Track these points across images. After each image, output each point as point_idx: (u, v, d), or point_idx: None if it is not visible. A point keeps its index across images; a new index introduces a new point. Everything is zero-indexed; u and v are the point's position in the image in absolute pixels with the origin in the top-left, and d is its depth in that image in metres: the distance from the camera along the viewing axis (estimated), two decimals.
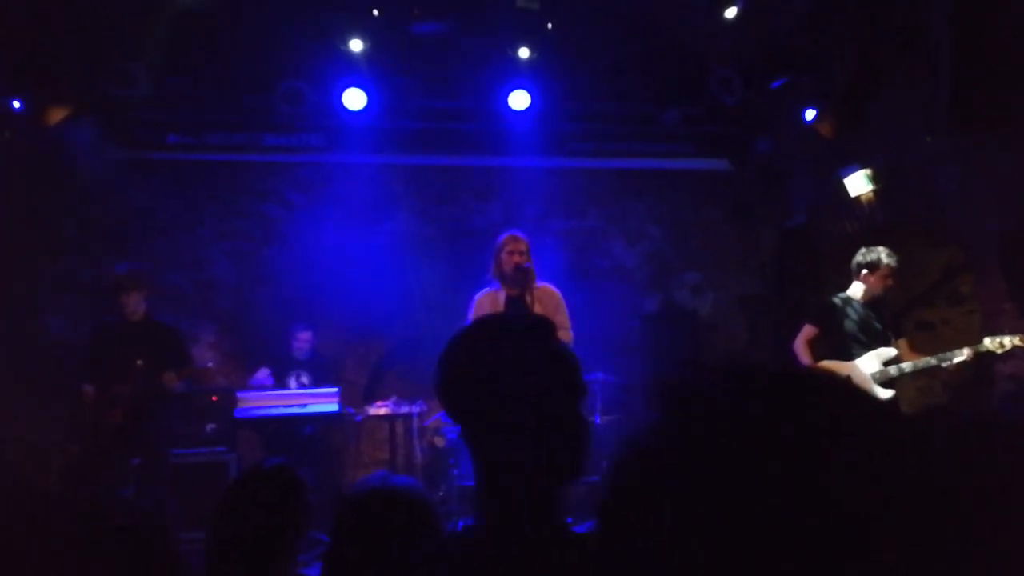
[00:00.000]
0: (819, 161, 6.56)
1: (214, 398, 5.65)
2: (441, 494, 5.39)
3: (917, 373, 4.56)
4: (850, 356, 4.56)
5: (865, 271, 4.62)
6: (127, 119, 6.03)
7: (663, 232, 7.44)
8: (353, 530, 1.74)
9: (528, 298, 4.47)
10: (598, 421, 5.80)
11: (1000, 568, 0.65)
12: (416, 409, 5.81)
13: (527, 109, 6.26)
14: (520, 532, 1.18)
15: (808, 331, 4.73)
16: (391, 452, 5.96)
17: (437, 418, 5.75)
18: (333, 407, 5.51)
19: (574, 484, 1.25)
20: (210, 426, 5.53)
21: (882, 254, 4.59)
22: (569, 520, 5.00)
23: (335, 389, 5.63)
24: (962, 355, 4.24)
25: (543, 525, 1.20)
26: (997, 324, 4.75)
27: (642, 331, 7.10)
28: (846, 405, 0.62)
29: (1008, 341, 4.16)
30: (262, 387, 5.70)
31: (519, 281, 4.51)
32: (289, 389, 5.82)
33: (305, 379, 5.97)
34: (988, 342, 4.21)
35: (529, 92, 6.19)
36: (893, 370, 4.47)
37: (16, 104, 5.52)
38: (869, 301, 4.65)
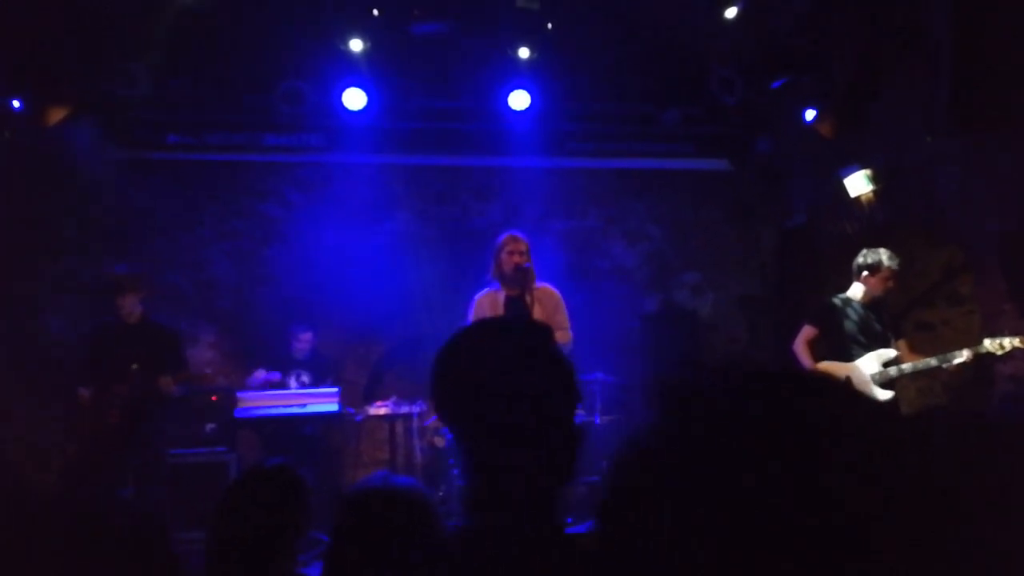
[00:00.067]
0: (819, 161, 6.56)
1: (214, 398, 5.66)
2: (441, 494, 5.39)
3: (917, 374, 4.56)
4: (850, 357, 4.56)
5: (866, 273, 4.62)
6: (127, 119, 6.03)
7: (663, 232, 7.44)
8: (353, 530, 1.74)
9: (528, 298, 4.47)
10: (598, 421, 5.80)
11: (1000, 568, 0.64)
12: (416, 409, 5.81)
13: (527, 109, 6.26)
14: (517, 533, 1.18)
15: (808, 332, 4.72)
16: (391, 452, 5.96)
17: (437, 418, 5.75)
18: (333, 407, 5.51)
19: (572, 485, 1.25)
20: (210, 426, 5.53)
21: (883, 256, 4.59)
22: (569, 520, 5.01)
23: (335, 389, 5.63)
24: (962, 356, 4.24)
25: (540, 526, 1.20)
26: (997, 325, 4.75)
27: (642, 331, 7.10)
28: (846, 406, 0.62)
29: (1008, 342, 4.16)
30: (268, 382, 5.69)
31: (519, 281, 4.51)
32: (289, 389, 5.82)
33: (305, 378, 5.97)
34: (988, 343, 4.21)
35: (529, 92, 6.19)
36: (893, 371, 4.47)
37: (16, 104, 5.52)
38: (869, 302, 4.64)
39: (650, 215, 7.43)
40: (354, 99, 6.02)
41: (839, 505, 0.54)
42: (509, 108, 6.25)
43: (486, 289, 4.65)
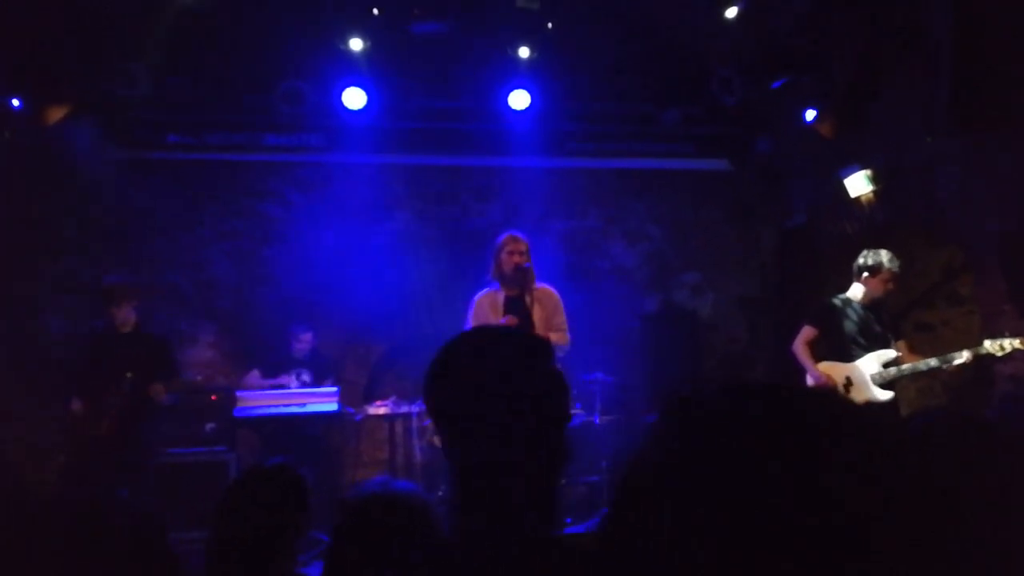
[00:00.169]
0: (819, 161, 6.56)
1: (213, 397, 5.66)
2: (440, 494, 5.39)
3: (917, 374, 4.56)
4: (850, 357, 4.56)
5: (866, 274, 4.62)
6: (127, 119, 6.03)
7: (663, 232, 7.44)
8: (353, 536, 1.74)
9: (527, 299, 4.47)
10: (597, 421, 5.80)
11: (1000, 568, 0.65)
12: (415, 409, 5.81)
13: (527, 109, 6.26)
14: (513, 534, 1.18)
15: (808, 332, 4.72)
16: (390, 452, 5.97)
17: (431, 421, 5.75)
18: (332, 407, 5.51)
19: (572, 485, 1.25)
20: (209, 425, 5.53)
21: (884, 258, 4.58)
22: (568, 520, 5.01)
23: (334, 389, 5.64)
24: (962, 357, 4.24)
25: (536, 527, 1.20)
26: (997, 325, 4.75)
27: (642, 331, 7.10)
28: (847, 404, 0.62)
29: (1008, 344, 4.16)
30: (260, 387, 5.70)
31: (518, 281, 4.51)
32: (289, 388, 5.81)
33: (306, 377, 5.97)
34: (988, 344, 4.21)
35: (529, 92, 6.19)
36: (893, 371, 4.47)
37: (16, 103, 5.52)
38: (869, 303, 4.64)
39: (650, 215, 7.42)
40: (354, 99, 6.02)
41: (839, 505, 0.54)
42: (509, 108, 6.25)
43: (486, 289, 4.65)
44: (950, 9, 4.53)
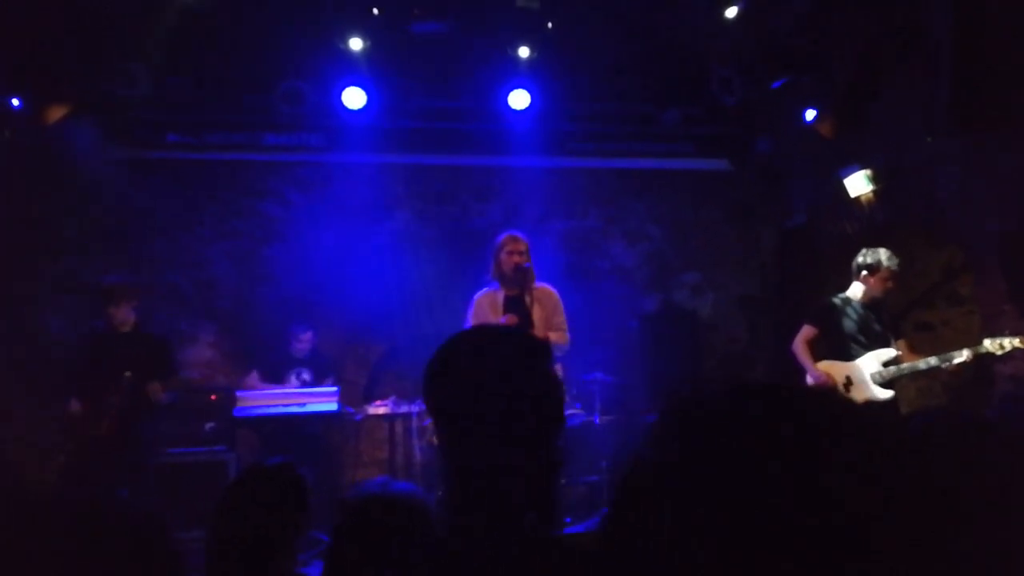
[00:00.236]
0: (819, 161, 6.56)
1: (213, 397, 5.66)
2: (440, 493, 5.39)
3: (917, 374, 4.56)
4: (850, 356, 4.56)
5: (865, 272, 4.62)
6: (127, 119, 6.02)
7: (663, 232, 7.44)
8: (354, 533, 1.74)
9: (527, 298, 4.47)
10: (597, 421, 5.80)
11: (1000, 568, 0.64)
12: (415, 408, 5.81)
13: (527, 109, 6.26)
14: (512, 534, 1.18)
15: (808, 331, 4.72)
16: (390, 451, 5.97)
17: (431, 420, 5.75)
18: (332, 406, 5.51)
19: (572, 485, 1.26)
20: (209, 425, 5.53)
21: (883, 256, 4.59)
22: (568, 520, 5.01)
23: (334, 388, 5.64)
24: (962, 356, 4.24)
25: (535, 526, 1.20)
26: (997, 325, 4.75)
27: (641, 331, 7.10)
28: (846, 405, 0.62)
29: (1008, 343, 4.16)
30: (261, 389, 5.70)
31: (518, 281, 4.51)
32: (289, 388, 5.82)
33: (306, 376, 5.97)
34: (988, 343, 4.21)
35: (529, 92, 6.19)
36: (893, 371, 4.47)
37: (16, 102, 5.52)
38: (868, 302, 4.64)
39: (650, 215, 7.42)
40: (354, 98, 6.02)
41: (839, 505, 0.54)
42: (509, 108, 6.25)
43: (486, 289, 4.65)
44: (950, 9, 4.53)
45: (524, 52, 6.07)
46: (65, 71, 5.57)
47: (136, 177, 6.30)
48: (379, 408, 5.76)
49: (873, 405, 4.41)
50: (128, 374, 4.75)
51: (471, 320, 4.56)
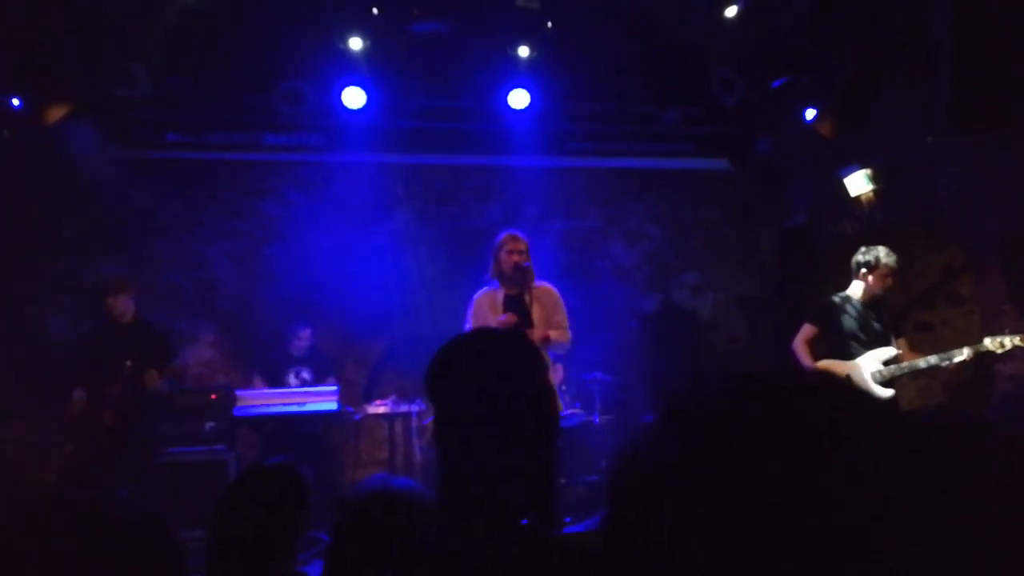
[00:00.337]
0: (819, 161, 6.56)
1: (213, 396, 5.65)
2: (439, 496, 5.39)
3: (917, 373, 4.56)
4: (850, 355, 4.56)
5: (864, 270, 4.62)
6: (127, 118, 6.02)
7: (663, 232, 7.44)
8: (354, 532, 1.74)
9: (527, 298, 4.47)
10: (597, 421, 5.80)
11: (1000, 568, 0.64)
12: (415, 408, 5.81)
13: (527, 108, 6.26)
14: (512, 532, 1.18)
15: (808, 331, 4.72)
16: (390, 451, 5.96)
17: (433, 420, 5.75)
18: (332, 406, 5.51)
19: (571, 484, 1.27)
20: (209, 424, 5.53)
21: (881, 253, 4.59)
22: (568, 520, 5.01)
23: (334, 388, 5.64)
24: (962, 355, 4.24)
25: (536, 525, 1.20)
26: (997, 325, 4.75)
27: (641, 331, 7.10)
28: (846, 405, 0.62)
29: (1008, 341, 4.16)
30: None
31: (518, 280, 4.50)
32: (288, 387, 5.82)
33: (306, 375, 5.97)
34: (988, 342, 4.21)
35: (529, 91, 6.18)
36: (893, 370, 4.47)
37: (16, 102, 5.52)
38: (868, 301, 4.64)
39: (650, 215, 7.42)
40: (354, 98, 6.02)
41: (839, 505, 0.54)
42: (509, 107, 6.25)
43: (485, 288, 4.64)
44: (950, 9, 4.53)
45: (524, 52, 6.08)
46: (65, 71, 5.57)
47: (136, 177, 6.30)
48: (379, 407, 5.76)
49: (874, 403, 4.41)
50: (129, 364, 4.75)
51: (471, 319, 4.56)
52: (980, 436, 0.80)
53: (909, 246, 5.28)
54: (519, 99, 6.20)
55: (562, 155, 6.94)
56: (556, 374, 5.42)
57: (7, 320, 5.92)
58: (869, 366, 4.51)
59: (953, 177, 5.39)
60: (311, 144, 6.59)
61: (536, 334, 4.33)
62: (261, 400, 5.48)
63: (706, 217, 7.48)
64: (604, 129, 6.95)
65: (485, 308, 4.52)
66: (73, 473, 4.75)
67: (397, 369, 6.67)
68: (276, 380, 5.87)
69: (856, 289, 4.67)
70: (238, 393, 5.49)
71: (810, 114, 6.20)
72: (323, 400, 5.51)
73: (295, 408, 5.46)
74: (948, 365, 4.31)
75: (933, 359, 4.35)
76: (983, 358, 4.30)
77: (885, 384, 4.48)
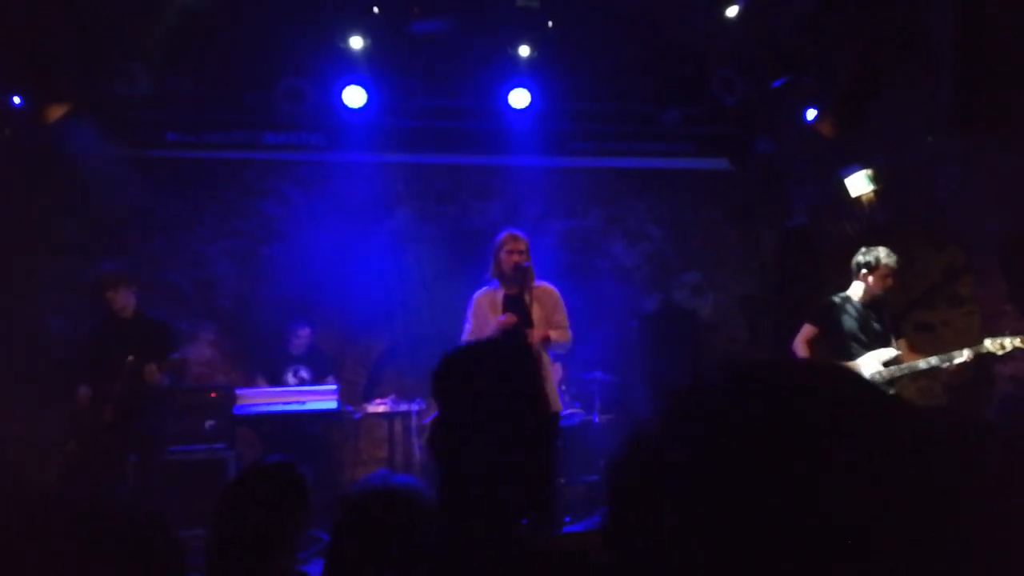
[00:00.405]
0: (820, 161, 6.56)
1: (213, 395, 5.65)
2: (439, 497, 5.38)
3: (917, 374, 4.55)
4: (850, 356, 4.56)
5: (864, 271, 4.62)
6: (127, 117, 6.02)
7: (663, 232, 7.44)
8: (354, 530, 1.74)
9: (527, 297, 4.46)
10: (596, 420, 5.81)
11: (1000, 568, 0.64)
12: (415, 407, 5.82)
13: (527, 108, 6.26)
14: (513, 535, 1.18)
15: (808, 331, 4.72)
16: (390, 450, 5.97)
17: (436, 416, 5.75)
18: (332, 405, 5.51)
19: (571, 484, 1.28)
20: (209, 423, 5.53)
21: (881, 254, 4.59)
22: (567, 519, 5.01)
23: (334, 387, 5.64)
24: (963, 356, 4.24)
25: (535, 525, 1.21)
26: (997, 326, 4.75)
27: (641, 331, 7.10)
28: (847, 403, 0.62)
29: (1009, 343, 4.16)
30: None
31: (518, 280, 4.50)
32: (288, 385, 5.82)
33: (304, 374, 5.98)
34: (989, 343, 4.21)
35: (529, 90, 6.18)
36: (893, 370, 4.47)
37: (16, 100, 5.52)
38: (868, 301, 4.64)
39: (650, 215, 7.42)
40: (354, 97, 6.02)
41: (839, 505, 0.54)
42: (509, 107, 6.25)
43: (485, 288, 4.64)
44: (952, 9, 4.53)
45: (524, 51, 6.07)
46: (65, 70, 5.57)
47: (136, 176, 6.29)
48: (379, 407, 5.77)
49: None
50: (131, 359, 4.72)
51: (471, 319, 4.56)
52: (980, 436, 0.80)
53: (909, 246, 5.28)
54: (519, 98, 6.20)
55: (562, 155, 6.94)
56: (556, 373, 5.41)
57: (7, 320, 5.92)
58: (869, 367, 4.51)
59: (953, 177, 5.39)
60: (311, 143, 6.59)
61: (536, 334, 4.33)
62: (261, 399, 5.48)
63: (706, 217, 7.48)
64: (604, 129, 6.94)
65: (485, 308, 4.52)
66: (75, 471, 4.74)
67: (397, 368, 6.67)
68: (275, 379, 5.88)
69: (856, 290, 4.67)
70: (238, 392, 5.49)
71: (811, 114, 6.20)
72: (323, 399, 5.52)
73: (295, 407, 5.46)
74: (949, 367, 4.30)
75: (934, 360, 4.35)
76: (984, 359, 4.30)
77: (885, 385, 4.48)
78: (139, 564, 0.96)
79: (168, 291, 6.39)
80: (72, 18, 5.29)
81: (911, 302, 5.65)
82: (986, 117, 4.50)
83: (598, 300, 6.72)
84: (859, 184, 6.13)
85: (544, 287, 4.62)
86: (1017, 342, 4.15)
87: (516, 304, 4.47)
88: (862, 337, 4.57)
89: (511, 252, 4.50)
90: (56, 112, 5.64)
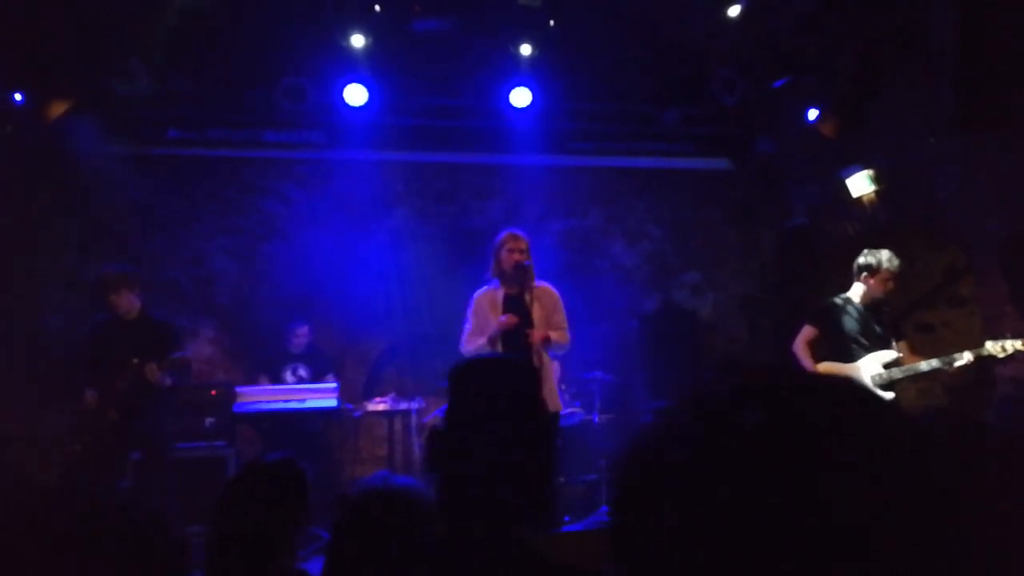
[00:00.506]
0: (820, 161, 6.56)
1: (213, 392, 5.66)
2: (438, 498, 5.38)
3: (918, 375, 4.55)
4: (851, 357, 4.55)
5: (866, 273, 4.62)
6: (128, 115, 6.02)
7: (663, 232, 7.44)
8: (354, 530, 1.74)
9: (527, 297, 4.46)
10: (596, 420, 5.80)
11: (1000, 568, 0.65)
12: (415, 406, 5.82)
13: (528, 107, 6.25)
14: (512, 534, 1.18)
15: (808, 332, 4.72)
16: (389, 448, 5.97)
17: (436, 415, 5.76)
18: (332, 403, 5.52)
19: (571, 484, 1.29)
20: (209, 420, 5.53)
21: (883, 257, 4.58)
22: (567, 519, 5.01)
23: (334, 385, 5.64)
24: (963, 359, 4.23)
25: (536, 526, 1.21)
26: (998, 326, 4.75)
27: (641, 331, 7.11)
28: (846, 405, 0.62)
29: (1010, 345, 4.15)
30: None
31: (518, 279, 4.50)
32: (287, 384, 5.82)
33: (303, 372, 5.98)
34: (990, 345, 4.20)
35: (530, 89, 6.18)
36: (894, 372, 4.46)
37: (18, 98, 5.52)
38: (869, 303, 4.64)
39: (650, 215, 7.43)
40: (355, 96, 6.02)
41: (839, 505, 0.54)
42: (510, 105, 6.24)
43: (485, 287, 4.64)
44: (952, 9, 4.53)
45: (526, 50, 6.07)
46: (66, 68, 5.57)
47: (136, 173, 6.29)
48: (378, 405, 5.77)
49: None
50: (135, 360, 4.71)
51: (471, 318, 4.56)
52: (980, 437, 0.80)
53: (910, 247, 5.28)
54: (520, 97, 6.20)
55: (563, 154, 6.94)
56: (554, 372, 5.42)
57: (7, 320, 5.92)
58: (869, 369, 4.50)
59: (953, 177, 5.39)
60: (312, 141, 6.59)
61: (536, 334, 4.33)
62: (261, 396, 5.48)
63: (706, 217, 7.48)
64: (605, 128, 6.94)
65: (485, 307, 4.52)
66: (77, 472, 4.74)
67: (397, 366, 6.68)
68: (273, 377, 5.88)
69: (857, 291, 4.67)
70: (238, 389, 5.50)
71: (811, 114, 6.20)
72: (323, 397, 5.52)
73: (295, 405, 5.47)
74: (949, 369, 4.30)
75: (934, 362, 4.34)
76: (984, 361, 4.29)
77: (885, 387, 4.48)
78: (139, 563, 0.96)
79: (167, 288, 6.39)
80: (73, 16, 5.29)
81: (912, 303, 5.65)
82: (986, 117, 4.50)
83: (598, 300, 6.72)
84: (860, 184, 6.12)
85: (544, 287, 4.61)
86: (1018, 345, 4.14)
87: (516, 304, 4.47)
88: (862, 339, 4.57)
89: (512, 251, 4.50)
90: (57, 109, 5.64)
